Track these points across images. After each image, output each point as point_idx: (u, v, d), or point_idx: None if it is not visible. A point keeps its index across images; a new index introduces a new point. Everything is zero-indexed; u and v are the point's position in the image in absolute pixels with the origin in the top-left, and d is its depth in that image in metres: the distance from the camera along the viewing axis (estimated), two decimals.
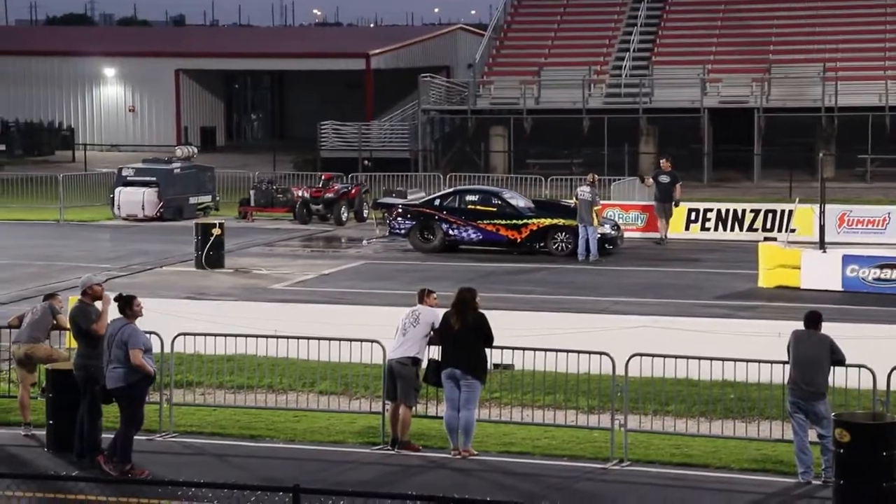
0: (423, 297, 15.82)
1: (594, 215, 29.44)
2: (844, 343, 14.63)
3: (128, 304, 14.70)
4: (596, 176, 30.84)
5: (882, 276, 25.13)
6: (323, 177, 38.64)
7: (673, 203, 32.35)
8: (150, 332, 15.35)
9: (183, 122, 62.76)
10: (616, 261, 29.63)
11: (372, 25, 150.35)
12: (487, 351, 15.50)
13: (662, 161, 33.34)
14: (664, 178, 32.41)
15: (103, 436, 15.11)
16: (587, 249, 29.38)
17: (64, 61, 63.68)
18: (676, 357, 15.75)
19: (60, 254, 31.06)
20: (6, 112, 62.43)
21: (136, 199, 37.59)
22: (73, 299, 17.09)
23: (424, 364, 15.64)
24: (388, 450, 15.56)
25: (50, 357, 16.28)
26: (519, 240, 30.42)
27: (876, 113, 46.62)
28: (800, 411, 14.34)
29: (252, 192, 38.22)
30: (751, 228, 32.76)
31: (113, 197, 38.03)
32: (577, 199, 29.93)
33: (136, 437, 14.74)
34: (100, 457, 14.69)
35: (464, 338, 15.29)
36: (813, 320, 14.57)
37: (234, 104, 69.01)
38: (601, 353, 15.63)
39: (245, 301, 23.41)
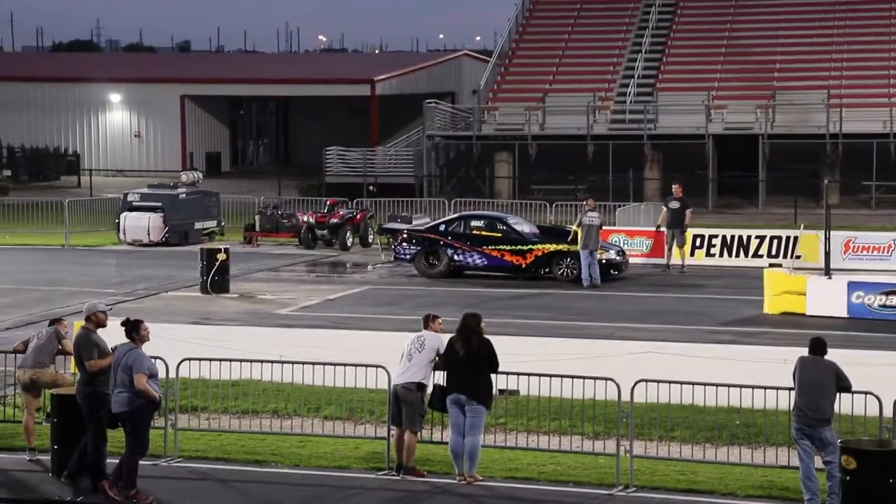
0: (429, 322, 15.81)
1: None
2: (850, 370, 14.59)
3: (135, 329, 14.68)
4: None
5: (888, 302, 25.10)
6: (328, 202, 38.69)
7: (681, 229, 32.21)
8: (156, 357, 15.35)
9: (188, 148, 62.89)
10: (621, 286, 29.61)
11: (377, 51, 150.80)
12: (493, 376, 15.47)
13: (674, 187, 33.07)
14: (675, 204, 32.32)
15: (107, 461, 15.08)
16: (590, 275, 29.38)
17: (70, 87, 63.87)
18: (682, 383, 15.73)
19: (65, 279, 31.09)
20: (12, 137, 62.62)
21: (141, 225, 37.65)
22: (78, 324, 17.08)
23: (430, 389, 15.63)
24: (393, 475, 15.52)
25: (55, 382, 16.26)
26: (524, 265, 30.43)
27: (880, 140, 46.68)
28: (805, 438, 14.29)
29: (257, 218, 38.29)
30: (756, 255, 32.72)
31: (118, 222, 38.09)
32: (582, 225, 29.73)
33: (140, 462, 14.71)
34: (104, 482, 14.66)
35: (469, 363, 15.27)
36: (818, 347, 14.53)
37: (239, 130, 69.17)
38: (606, 379, 15.61)
39: (250, 326, 23.42)
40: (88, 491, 14.62)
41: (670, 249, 32.26)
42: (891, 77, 50.14)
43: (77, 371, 15.40)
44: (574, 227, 30.36)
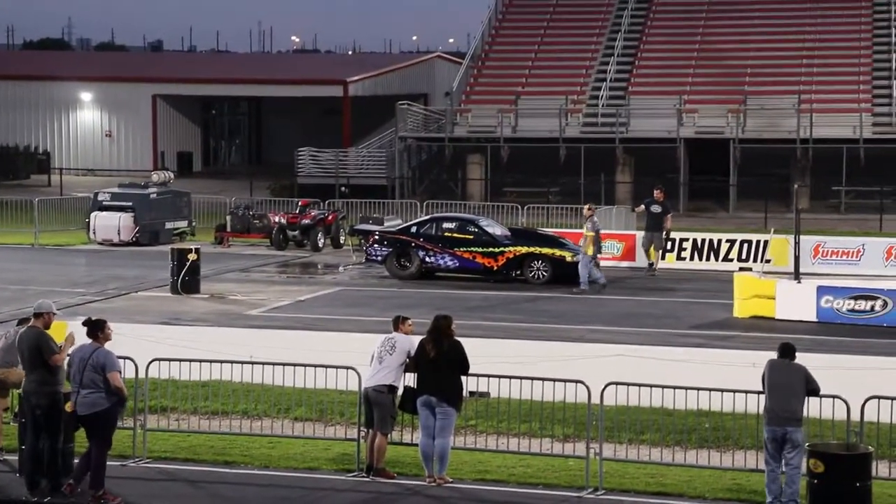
0: (399, 324, 15.81)
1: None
2: (818, 373, 14.66)
3: (100, 328, 14.55)
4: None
5: (856, 307, 25.23)
6: (300, 203, 38.63)
7: (663, 234, 32.24)
8: (125, 357, 15.30)
9: (160, 148, 62.68)
10: (592, 289, 29.64)
11: (350, 53, 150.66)
12: (463, 378, 15.49)
13: (656, 191, 32.96)
14: (656, 208, 32.37)
15: (74, 461, 15.00)
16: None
17: (41, 85, 63.56)
18: (652, 386, 15.78)
19: (35, 278, 30.93)
20: None
21: (111, 224, 37.50)
22: None
23: (401, 391, 15.62)
24: (363, 477, 15.52)
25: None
26: (495, 267, 30.46)
27: (850, 145, 46.92)
28: (776, 441, 14.32)
29: (228, 218, 38.18)
30: (726, 258, 32.84)
31: (88, 221, 37.94)
32: (591, 231, 29.36)
33: (108, 463, 14.63)
34: (69, 484, 14.54)
35: (439, 365, 15.28)
36: (787, 351, 14.60)
37: (211, 130, 68.96)
38: (577, 382, 15.64)
39: (220, 327, 23.36)
40: (48, 491, 14.48)
41: (647, 251, 32.29)
42: (861, 83, 50.42)
43: (23, 370, 15.07)
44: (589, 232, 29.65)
